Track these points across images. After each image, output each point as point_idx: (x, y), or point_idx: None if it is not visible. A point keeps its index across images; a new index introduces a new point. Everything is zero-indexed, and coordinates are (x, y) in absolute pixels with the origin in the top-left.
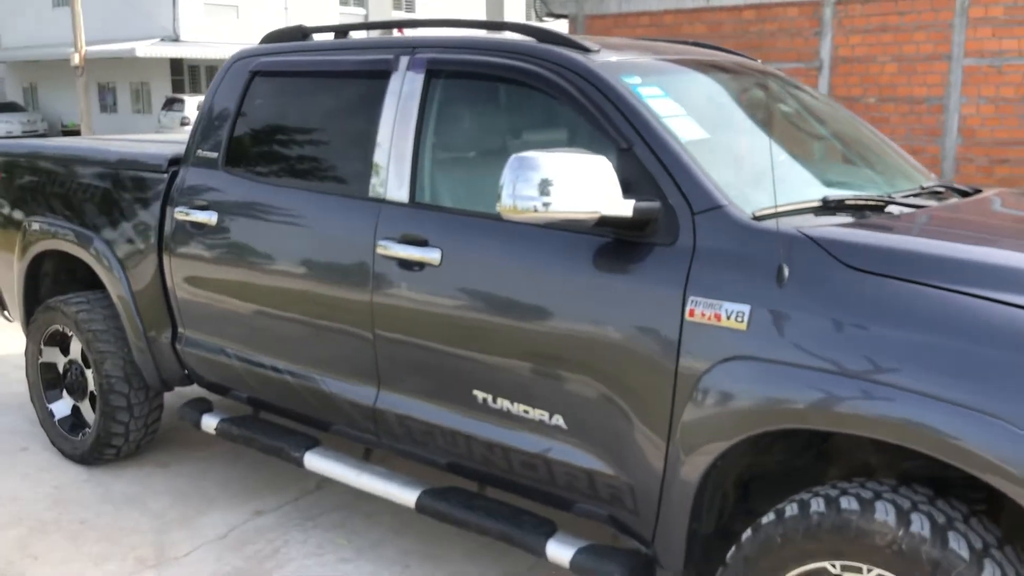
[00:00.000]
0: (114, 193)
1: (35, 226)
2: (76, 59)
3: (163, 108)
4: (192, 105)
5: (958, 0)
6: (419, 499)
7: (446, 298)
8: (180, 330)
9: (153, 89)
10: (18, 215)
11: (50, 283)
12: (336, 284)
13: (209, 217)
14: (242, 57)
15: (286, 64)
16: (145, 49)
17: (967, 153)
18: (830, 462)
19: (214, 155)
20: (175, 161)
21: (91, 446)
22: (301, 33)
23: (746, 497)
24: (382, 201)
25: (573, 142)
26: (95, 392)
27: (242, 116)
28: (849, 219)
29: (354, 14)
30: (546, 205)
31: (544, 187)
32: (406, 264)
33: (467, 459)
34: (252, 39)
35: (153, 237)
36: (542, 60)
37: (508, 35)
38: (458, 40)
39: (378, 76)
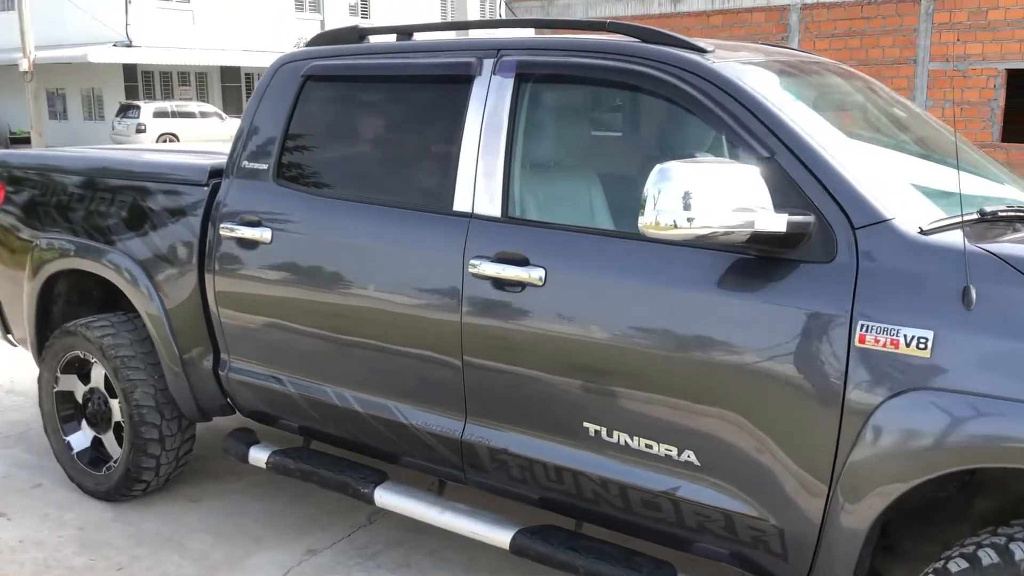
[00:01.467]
0: (146, 208)
1: (49, 244)
2: (24, 64)
3: (117, 115)
4: (148, 112)
5: (923, 5)
6: (515, 539)
7: (551, 321)
8: (224, 356)
9: (105, 95)
10: (28, 232)
11: (63, 305)
12: (417, 306)
13: (261, 234)
14: (290, 61)
15: (346, 68)
16: (99, 54)
17: None
18: (975, 495)
19: (263, 167)
20: (216, 173)
21: (118, 482)
22: (357, 35)
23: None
24: (469, 216)
25: (692, 149)
26: (123, 423)
27: (294, 125)
28: (1012, 232)
29: (310, 19)
30: (690, 220)
31: (690, 200)
32: (503, 284)
33: (572, 496)
34: (208, 44)
35: (193, 255)
36: (660, 63)
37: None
38: (552, 41)
39: (458, 81)
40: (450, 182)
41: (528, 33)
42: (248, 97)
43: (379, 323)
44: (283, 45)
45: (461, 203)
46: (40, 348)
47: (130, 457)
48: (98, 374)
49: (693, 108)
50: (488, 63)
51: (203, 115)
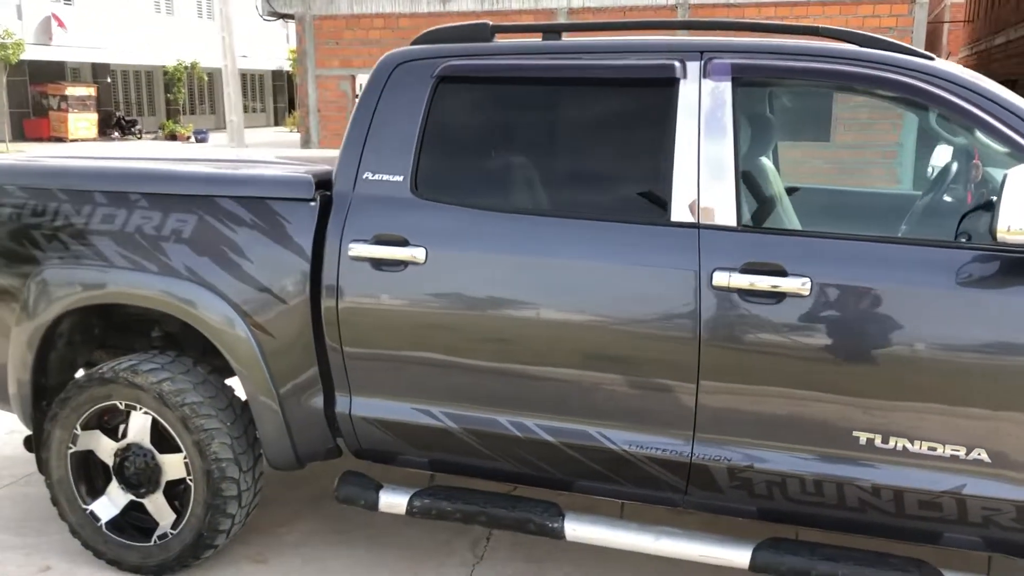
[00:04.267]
0: (223, 227)
1: (63, 276)
2: None
3: None
4: None
5: (680, 12)
6: (756, 556)
7: (822, 333)
8: (341, 394)
9: None
10: (13, 262)
11: (63, 348)
12: (634, 326)
13: (411, 254)
14: (409, 60)
15: (499, 69)
16: None
17: None
18: None
19: (396, 179)
20: (319, 185)
21: (182, 551)
22: (489, 32)
23: None
24: (695, 226)
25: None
26: (192, 481)
27: (431, 131)
28: None
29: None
30: None
31: None
32: (754, 296)
33: (828, 506)
34: None
35: (302, 281)
36: (912, 71)
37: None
38: (766, 45)
39: (656, 84)
40: (662, 191)
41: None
42: None
43: (579, 347)
44: None
45: (681, 213)
46: (35, 403)
47: (207, 519)
48: (139, 426)
49: (957, 116)
50: (693, 65)
51: None
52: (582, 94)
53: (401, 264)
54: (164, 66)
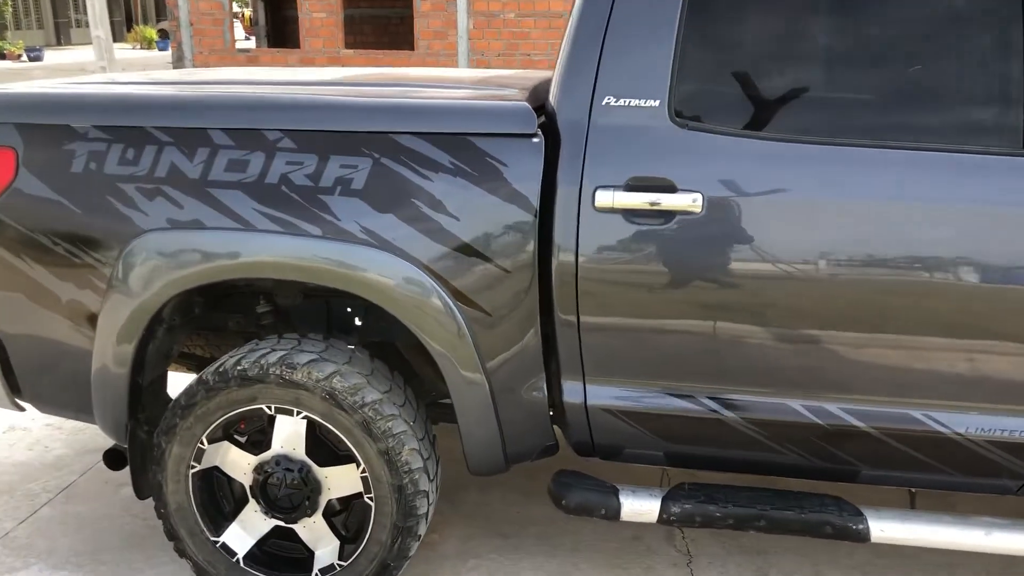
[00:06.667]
0: (414, 174)
1: (174, 241)
2: None
3: None
4: None
5: None
6: None
7: None
8: (572, 379)
9: None
10: (96, 226)
11: (163, 336)
12: (985, 284)
13: (685, 201)
14: None
15: None
16: None
17: None
18: None
19: (650, 103)
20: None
21: None
22: None
23: None
24: None
25: None
26: (370, 500)
27: (688, 41)
28: None
29: None
30: None
31: None
32: None
33: None
34: None
35: (527, 239)
36: None
37: None
38: None
39: None
40: (1015, 113)
41: None
42: None
43: (905, 313)
44: None
45: None
46: (131, 409)
47: (394, 546)
48: (288, 434)
49: None
50: None
51: None
52: None
53: (668, 215)
54: None
